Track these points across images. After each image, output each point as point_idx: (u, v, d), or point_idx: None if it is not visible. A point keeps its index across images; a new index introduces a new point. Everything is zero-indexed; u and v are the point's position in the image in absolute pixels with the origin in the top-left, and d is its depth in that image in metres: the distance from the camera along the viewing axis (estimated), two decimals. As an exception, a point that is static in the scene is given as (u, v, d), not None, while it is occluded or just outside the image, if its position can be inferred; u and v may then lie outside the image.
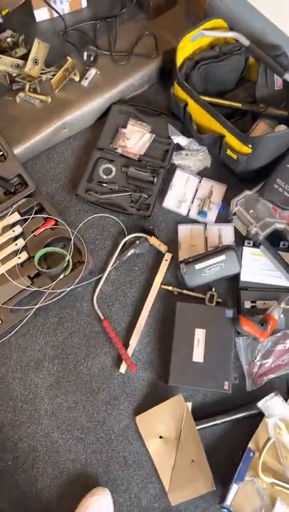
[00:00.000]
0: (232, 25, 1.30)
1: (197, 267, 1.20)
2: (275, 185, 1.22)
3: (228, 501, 1.01)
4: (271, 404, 1.09)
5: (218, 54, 1.30)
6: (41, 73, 1.34)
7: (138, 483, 1.10)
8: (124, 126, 1.37)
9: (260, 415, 1.09)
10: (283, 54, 1.26)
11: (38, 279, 1.22)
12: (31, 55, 1.30)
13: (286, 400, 1.10)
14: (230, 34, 1.29)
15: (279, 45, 1.26)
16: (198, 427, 1.10)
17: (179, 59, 1.28)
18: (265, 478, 1.03)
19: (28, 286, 1.20)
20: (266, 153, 1.22)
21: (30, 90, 1.32)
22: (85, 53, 1.38)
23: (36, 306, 1.18)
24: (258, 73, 1.27)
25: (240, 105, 1.30)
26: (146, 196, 1.31)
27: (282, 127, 1.24)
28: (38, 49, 1.31)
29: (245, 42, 1.27)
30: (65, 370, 1.19)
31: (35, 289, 1.19)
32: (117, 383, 1.17)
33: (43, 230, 1.25)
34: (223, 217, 1.31)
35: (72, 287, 1.21)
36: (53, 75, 1.33)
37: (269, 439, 1.05)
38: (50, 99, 1.33)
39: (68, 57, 1.34)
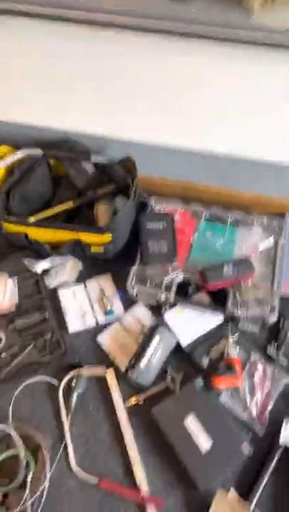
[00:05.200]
0: (16, 144, 1.29)
1: (142, 364, 1.15)
2: (150, 249, 1.23)
3: None
4: (289, 431, 1.08)
5: (20, 175, 1.28)
6: None
7: None
8: (-19, 289, 1.26)
9: (289, 448, 1.07)
10: (74, 142, 1.28)
11: (9, 498, 1.03)
12: None
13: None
14: (19, 154, 1.27)
15: (64, 138, 1.27)
16: (253, 505, 1.04)
17: (-11, 202, 1.23)
18: None
19: (5, 515, 1.01)
20: (124, 228, 1.23)
21: None
22: None
23: (28, 530, 1.00)
24: (67, 169, 1.28)
25: (71, 204, 1.28)
26: (49, 337, 1.21)
27: (120, 199, 1.27)
28: None
29: (37, 152, 1.27)
30: None
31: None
32: (156, 528, 1.05)
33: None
34: (130, 302, 1.28)
35: (48, 479, 1.05)
36: None
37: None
38: None
39: None
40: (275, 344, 1.21)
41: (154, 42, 1.15)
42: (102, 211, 1.27)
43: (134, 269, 1.24)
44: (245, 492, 1.06)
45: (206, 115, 1.15)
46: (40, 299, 1.26)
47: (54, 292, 1.29)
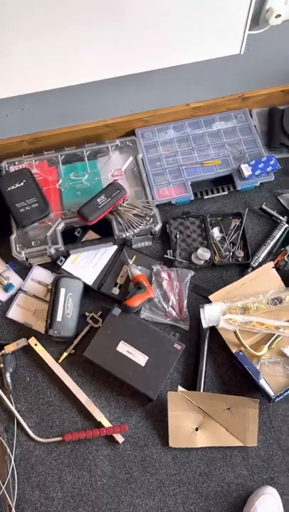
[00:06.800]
0: None
1: (58, 318, 1.15)
2: (21, 210, 1.20)
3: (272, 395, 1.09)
4: (208, 316, 1.16)
5: None
6: None
7: (222, 466, 1.10)
8: None
9: (214, 329, 1.17)
10: None
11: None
12: None
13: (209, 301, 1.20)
14: None
15: None
16: (201, 391, 1.13)
17: None
18: (262, 354, 1.13)
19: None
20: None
21: None
22: None
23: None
24: None
25: None
26: None
27: None
28: None
29: None
30: (87, 498, 1.07)
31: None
32: (132, 449, 1.10)
33: None
34: (25, 268, 1.26)
35: (13, 460, 1.05)
36: None
37: (235, 332, 1.14)
38: None
39: None
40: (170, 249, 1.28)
41: None
42: None
43: (14, 236, 1.21)
44: (192, 383, 1.15)
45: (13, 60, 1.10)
46: None
47: None
